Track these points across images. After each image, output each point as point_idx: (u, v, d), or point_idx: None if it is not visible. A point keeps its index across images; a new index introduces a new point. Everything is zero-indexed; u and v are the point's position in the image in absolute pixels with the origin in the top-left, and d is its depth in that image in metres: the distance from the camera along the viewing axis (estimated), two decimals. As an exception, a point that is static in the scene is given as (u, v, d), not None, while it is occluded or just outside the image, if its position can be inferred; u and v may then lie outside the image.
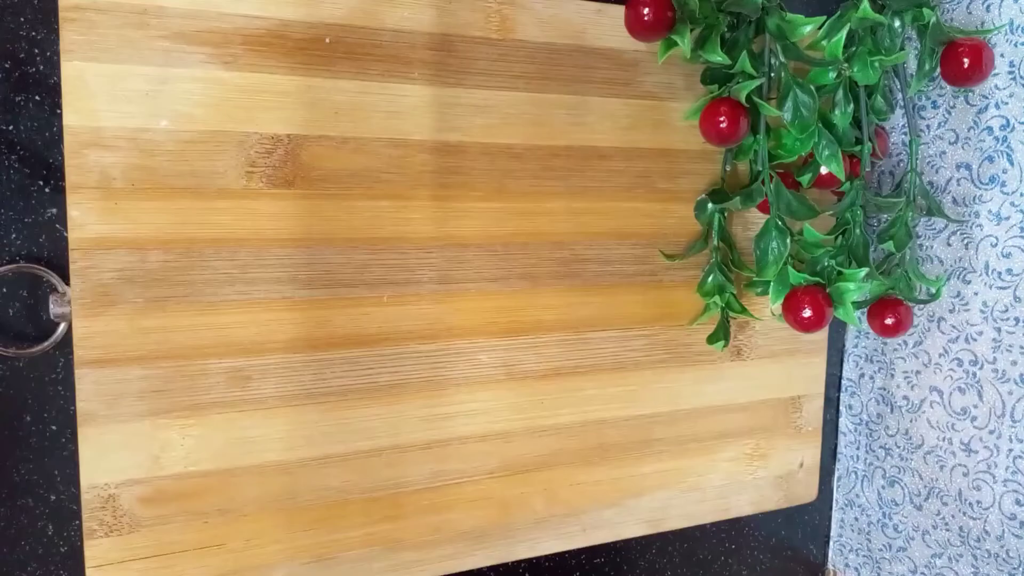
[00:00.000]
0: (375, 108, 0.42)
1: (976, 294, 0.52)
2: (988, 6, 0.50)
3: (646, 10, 0.43)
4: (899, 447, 0.59)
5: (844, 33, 0.45)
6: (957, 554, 0.55)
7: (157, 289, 0.39)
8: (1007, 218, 0.50)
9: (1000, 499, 0.51)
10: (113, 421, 0.38)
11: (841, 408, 0.64)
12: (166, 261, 0.39)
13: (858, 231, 0.50)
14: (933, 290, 0.52)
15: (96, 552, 0.39)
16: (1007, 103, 0.50)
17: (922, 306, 0.55)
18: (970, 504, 0.53)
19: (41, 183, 0.40)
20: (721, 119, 0.45)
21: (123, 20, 0.37)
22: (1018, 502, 0.50)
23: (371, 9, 0.42)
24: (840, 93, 0.48)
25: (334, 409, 0.43)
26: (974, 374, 0.53)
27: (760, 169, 0.47)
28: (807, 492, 0.59)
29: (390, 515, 0.45)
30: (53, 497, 0.41)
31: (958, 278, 0.53)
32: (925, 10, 0.48)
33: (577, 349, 0.49)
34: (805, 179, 0.49)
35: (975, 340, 0.53)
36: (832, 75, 0.48)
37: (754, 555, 0.63)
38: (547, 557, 0.51)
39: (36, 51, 0.39)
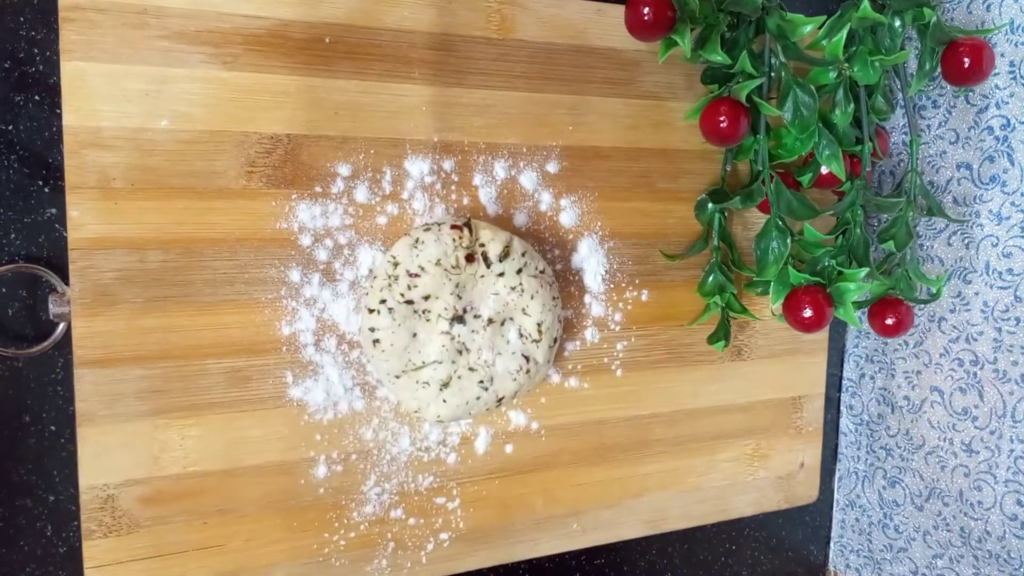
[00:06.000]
0: (375, 108, 0.42)
1: (977, 294, 0.52)
2: (988, 6, 0.50)
3: (646, 10, 0.43)
4: (900, 447, 0.59)
5: (844, 33, 0.44)
6: (958, 555, 0.55)
7: (156, 289, 0.39)
8: (1008, 218, 0.50)
9: (1001, 500, 0.51)
10: (112, 421, 0.38)
11: (842, 408, 0.64)
12: (165, 261, 0.39)
13: (858, 231, 0.50)
14: (934, 290, 0.52)
15: (95, 552, 0.39)
16: (1007, 103, 0.50)
17: (923, 306, 0.55)
18: (971, 505, 0.53)
19: (41, 183, 0.40)
20: (721, 119, 0.45)
21: (123, 20, 0.37)
22: (1019, 503, 0.50)
23: (371, 9, 0.42)
24: (840, 93, 0.48)
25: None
26: (975, 374, 0.53)
27: (760, 169, 0.47)
28: (808, 493, 0.59)
29: (391, 515, 0.45)
30: (52, 498, 0.41)
31: (959, 278, 0.53)
32: (925, 10, 0.48)
33: (577, 349, 0.49)
34: (805, 179, 0.49)
35: (976, 340, 0.52)
36: (832, 75, 0.48)
37: (754, 556, 0.63)
38: (547, 557, 0.51)
39: (36, 51, 0.39)
